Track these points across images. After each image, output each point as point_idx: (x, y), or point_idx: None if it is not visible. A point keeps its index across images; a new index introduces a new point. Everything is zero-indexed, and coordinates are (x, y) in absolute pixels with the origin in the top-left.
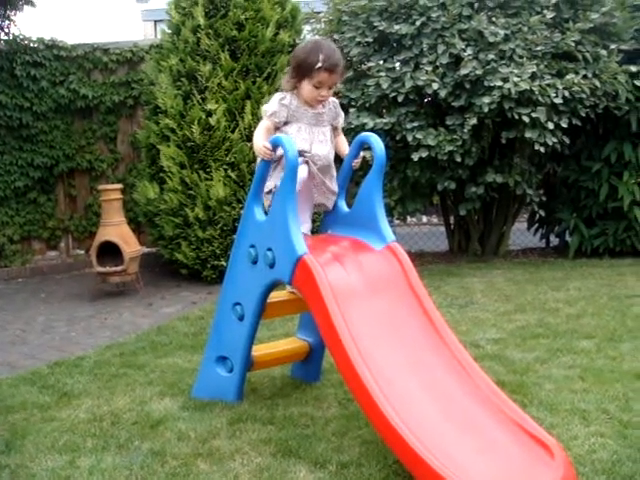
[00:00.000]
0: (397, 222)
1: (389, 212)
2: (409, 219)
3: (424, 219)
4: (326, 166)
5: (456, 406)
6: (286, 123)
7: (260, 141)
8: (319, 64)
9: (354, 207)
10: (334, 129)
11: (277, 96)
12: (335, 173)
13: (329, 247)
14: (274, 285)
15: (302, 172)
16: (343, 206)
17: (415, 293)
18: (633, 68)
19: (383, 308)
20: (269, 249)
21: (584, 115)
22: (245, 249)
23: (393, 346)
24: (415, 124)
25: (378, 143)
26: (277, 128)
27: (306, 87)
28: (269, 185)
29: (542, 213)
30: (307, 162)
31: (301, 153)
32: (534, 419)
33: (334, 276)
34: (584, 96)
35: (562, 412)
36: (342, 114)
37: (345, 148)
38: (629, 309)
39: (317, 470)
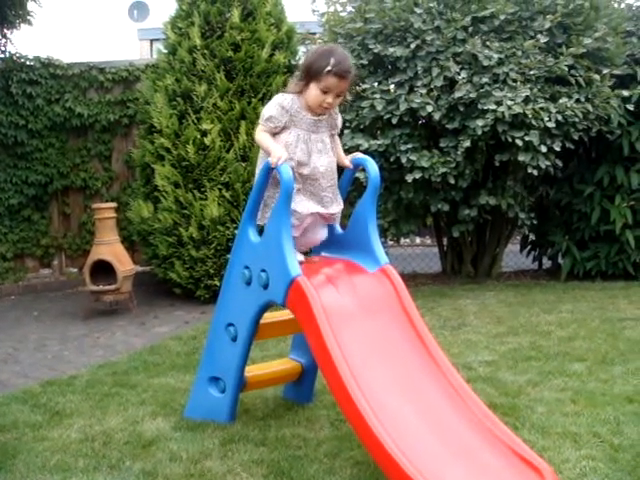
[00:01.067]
0: (390, 243)
1: (383, 233)
2: (402, 240)
3: (417, 240)
4: (327, 177)
5: (448, 429)
6: (284, 128)
7: (275, 146)
8: (329, 68)
9: (348, 229)
10: (331, 137)
11: (277, 98)
12: (336, 183)
13: (322, 269)
14: (268, 306)
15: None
16: (337, 228)
17: (408, 315)
18: (625, 92)
19: (376, 330)
20: (263, 270)
21: (577, 139)
22: (239, 270)
23: (386, 368)
24: (409, 146)
25: (372, 166)
26: (275, 134)
27: (313, 91)
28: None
29: (533, 237)
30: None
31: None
32: (526, 442)
33: (327, 298)
34: (577, 120)
35: (553, 435)
36: (340, 120)
37: (341, 152)
38: (621, 332)
39: None
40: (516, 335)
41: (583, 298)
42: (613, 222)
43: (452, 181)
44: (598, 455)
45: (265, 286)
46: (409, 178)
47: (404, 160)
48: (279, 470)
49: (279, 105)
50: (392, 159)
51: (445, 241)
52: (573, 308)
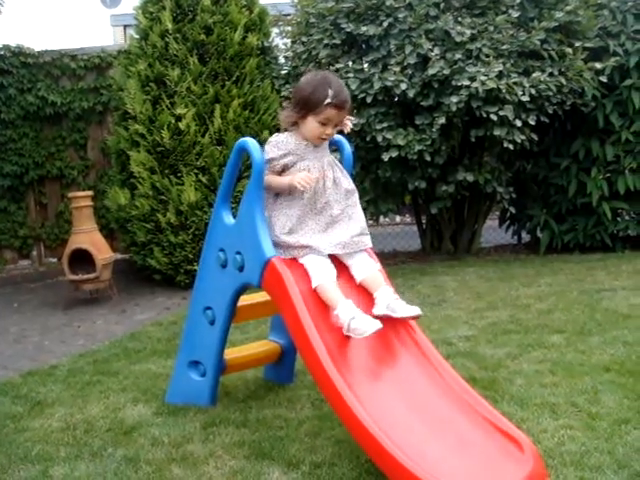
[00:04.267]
0: (370, 222)
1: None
2: (382, 219)
3: (397, 219)
4: (345, 197)
5: (427, 405)
6: (291, 165)
7: (283, 179)
8: (328, 99)
9: None
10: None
11: (272, 140)
12: (357, 202)
13: None
14: (244, 288)
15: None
16: None
17: None
18: (598, 65)
19: None
20: (238, 252)
21: (551, 112)
22: (214, 253)
23: (362, 345)
24: (384, 124)
25: (346, 145)
26: (280, 173)
27: (310, 124)
28: (280, 224)
29: (512, 210)
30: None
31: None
32: (505, 414)
33: (302, 277)
34: (551, 94)
35: (532, 406)
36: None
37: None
38: (598, 303)
39: (290, 471)
40: (495, 309)
41: (561, 271)
42: (590, 194)
43: (428, 158)
44: (576, 424)
45: (240, 268)
46: (385, 157)
47: (380, 139)
48: (260, 451)
49: (274, 146)
50: (368, 138)
51: (424, 219)
52: (552, 281)
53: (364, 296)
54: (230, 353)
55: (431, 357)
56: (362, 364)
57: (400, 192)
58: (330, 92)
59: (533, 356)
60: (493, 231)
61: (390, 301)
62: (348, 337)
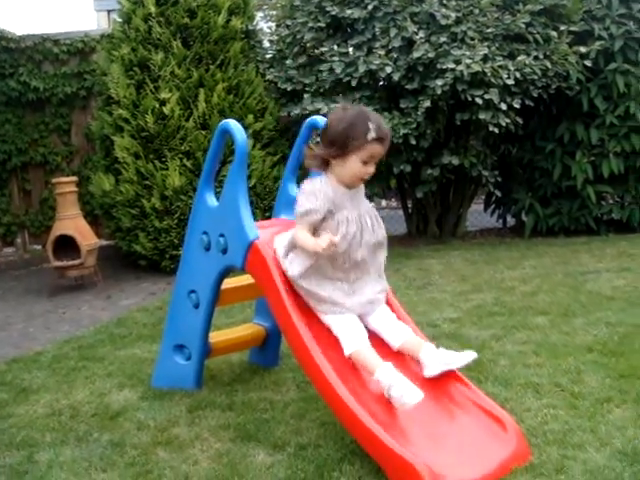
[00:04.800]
0: None
1: None
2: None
3: (383, 203)
4: (377, 249)
5: None
6: (330, 218)
7: (311, 241)
8: (372, 134)
9: None
10: None
11: (307, 187)
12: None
13: (281, 232)
14: (228, 271)
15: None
16: (293, 190)
17: None
18: (583, 49)
19: None
20: (221, 235)
21: (536, 96)
22: (198, 236)
23: None
24: (369, 108)
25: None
26: (316, 229)
27: (353, 163)
28: (294, 269)
29: (498, 194)
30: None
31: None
32: (489, 394)
33: None
34: (535, 77)
35: (516, 386)
36: None
37: None
38: (583, 285)
39: (276, 453)
40: (480, 292)
41: (546, 254)
42: (574, 178)
43: (413, 142)
44: (559, 403)
45: (224, 251)
46: None
47: None
48: (246, 433)
49: (312, 195)
50: None
51: (410, 203)
52: (536, 264)
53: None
54: (215, 336)
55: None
56: None
57: (385, 176)
58: (372, 126)
59: (517, 337)
60: (479, 215)
61: (441, 357)
62: None
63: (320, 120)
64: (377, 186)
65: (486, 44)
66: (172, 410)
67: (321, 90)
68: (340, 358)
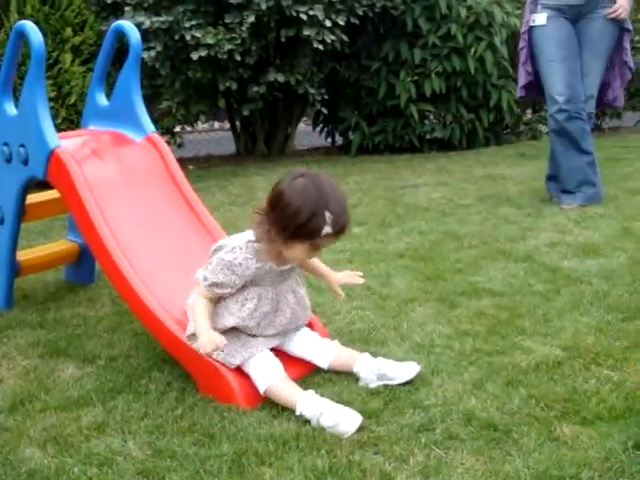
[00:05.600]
0: (189, 129)
1: (172, 116)
2: (200, 126)
3: (216, 125)
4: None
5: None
6: (237, 290)
7: (200, 322)
8: (327, 229)
9: (112, 100)
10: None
11: (223, 259)
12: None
13: (87, 142)
14: (30, 183)
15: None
16: (102, 99)
17: (175, 181)
18: None
19: (143, 199)
20: (22, 145)
21: (362, 14)
22: None
23: (154, 237)
24: (193, 22)
25: (133, 31)
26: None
27: (299, 252)
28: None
29: (325, 111)
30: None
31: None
32: None
33: (90, 169)
34: None
35: (328, 292)
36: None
37: (326, 271)
38: (400, 198)
39: (85, 366)
40: None
41: (370, 170)
42: (398, 97)
43: (238, 58)
44: (367, 305)
45: (25, 161)
46: (195, 56)
47: (189, 37)
48: (56, 349)
49: (230, 269)
50: (177, 37)
51: (238, 122)
52: (360, 179)
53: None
54: (24, 255)
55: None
56: (154, 253)
57: (212, 94)
58: (329, 219)
59: (334, 247)
60: (308, 134)
61: (381, 368)
62: (142, 225)
63: (126, 25)
64: (203, 104)
65: None
66: None
67: (144, 4)
68: (148, 265)
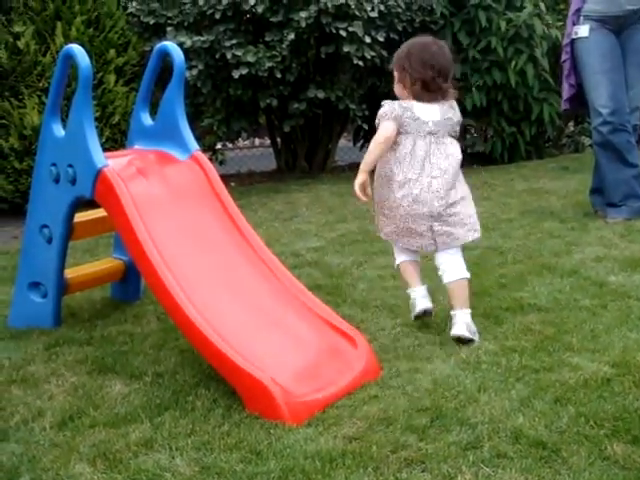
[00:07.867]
0: (230, 146)
1: (214, 134)
2: (241, 142)
3: (257, 142)
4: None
5: (264, 308)
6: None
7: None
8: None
9: (157, 119)
10: None
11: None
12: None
13: (133, 161)
14: (78, 202)
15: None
16: (147, 119)
17: (220, 200)
18: None
19: (188, 216)
20: (70, 165)
21: (401, 29)
22: (46, 168)
23: (200, 255)
24: (234, 41)
25: (177, 51)
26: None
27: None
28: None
29: (365, 127)
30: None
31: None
32: (345, 316)
33: (136, 188)
34: (400, 10)
35: (372, 308)
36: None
37: None
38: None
39: (132, 382)
40: (345, 222)
41: None
42: None
43: (279, 75)
44: (412, 321)
45: (73, 181)
46: (236, 74)
47: (229, 56)
48: (104, 365)
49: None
50: (217, 56)
51: (279, 139)
52: None
53: None
54: (71, 272)
55: (267, 261)
56: (200, 272)
57: (252, 111)
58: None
59: (377, 263)
60: (349, 150)
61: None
62: (187, 245)
63: (170, 46)
64: (244, 121)
65: None
66: (28, 349)
67: (185, 24)
68: (195, 285)
